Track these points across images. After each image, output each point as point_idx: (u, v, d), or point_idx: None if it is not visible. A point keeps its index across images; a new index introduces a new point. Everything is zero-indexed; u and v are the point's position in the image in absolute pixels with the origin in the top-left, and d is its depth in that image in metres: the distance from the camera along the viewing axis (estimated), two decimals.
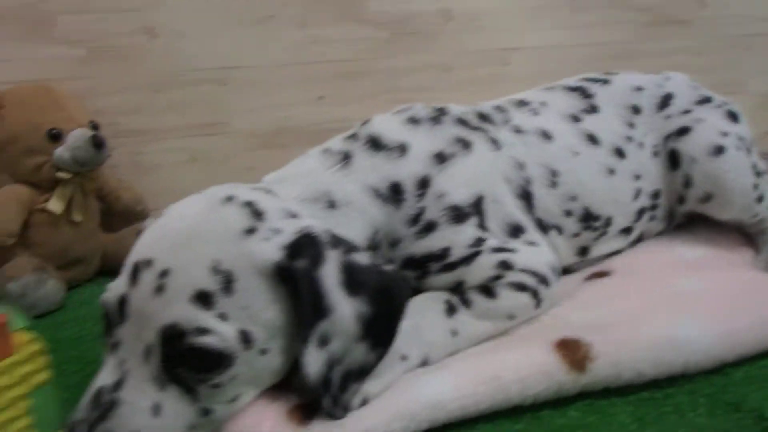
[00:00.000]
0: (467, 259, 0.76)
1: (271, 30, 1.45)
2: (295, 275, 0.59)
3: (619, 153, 0.97)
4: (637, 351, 0.69)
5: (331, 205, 0.71)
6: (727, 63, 1.72)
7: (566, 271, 0.93)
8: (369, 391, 0.63)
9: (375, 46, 1.51)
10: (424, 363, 0.69)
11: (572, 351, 0.68)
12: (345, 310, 0.60)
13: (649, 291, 0.84)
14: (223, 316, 0.57)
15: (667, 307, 0.78)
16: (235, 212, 0.62)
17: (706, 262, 0.95)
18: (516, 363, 0.67)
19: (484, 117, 0.90)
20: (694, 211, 1.03)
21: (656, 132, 1.01)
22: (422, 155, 0.78)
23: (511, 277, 0.77)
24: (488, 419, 0.65)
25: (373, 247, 0.74)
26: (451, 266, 0.76)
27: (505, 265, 0.77)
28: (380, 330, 0.63)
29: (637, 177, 0.98)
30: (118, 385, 0.56)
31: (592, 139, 0.95)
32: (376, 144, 0.78)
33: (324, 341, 0.59)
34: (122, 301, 0.58)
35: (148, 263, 0.58)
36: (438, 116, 0.85)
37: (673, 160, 1.00)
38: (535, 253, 0.81)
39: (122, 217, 1.38)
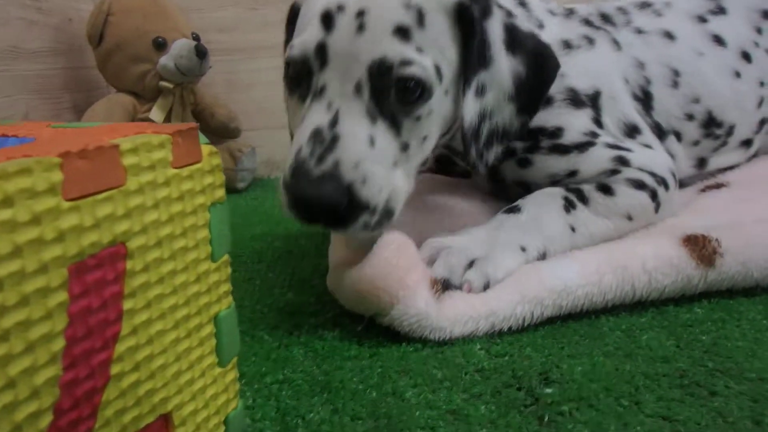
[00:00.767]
0: (580, 147, 0.75)
1: None
2: (472, 15, 0.64)
3: (746, 57, 0.91)
4: (766, 250, 0.66)
5: None
6: None
7: (680, 184, 0.89)
8: (491, 275, 0.64)
9: None
10: (543, 256, 0.69)
11: (700, 246, 0.66)
12: (503, 64, 0.67)
13: None
14: (420, 49, 0.61)
15: None
16: None
17: None
18: (644, 254, 0.65)
19: (606, 18, 0.88)
20: None
21: None
22: (552, 38, 0.77)
23: (629, 173, 0.75)
24: (611, 312, 0.65)
25: None
26: (564, 149, 0.75)
27: (622, 161, 0.75)
28: (529, 95, 0.69)
29: (762, 84, 0.92)
30: (333, 122, 0.59)
31: (719, 41, 0.90)
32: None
33: (481, 91, 0.66)
34: (321, 48, 0.61)
35: (340, 8, 0.61)
36: (568, 14, 0.85)
37: None
38: (653, 155, 0.78)
39: (216, 133, 1.42)
